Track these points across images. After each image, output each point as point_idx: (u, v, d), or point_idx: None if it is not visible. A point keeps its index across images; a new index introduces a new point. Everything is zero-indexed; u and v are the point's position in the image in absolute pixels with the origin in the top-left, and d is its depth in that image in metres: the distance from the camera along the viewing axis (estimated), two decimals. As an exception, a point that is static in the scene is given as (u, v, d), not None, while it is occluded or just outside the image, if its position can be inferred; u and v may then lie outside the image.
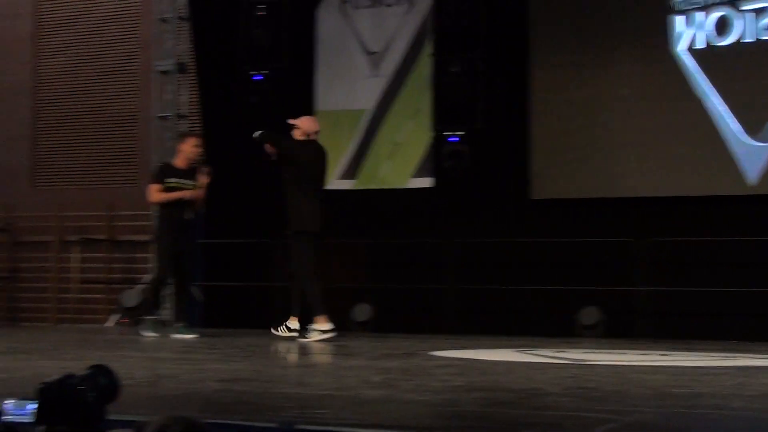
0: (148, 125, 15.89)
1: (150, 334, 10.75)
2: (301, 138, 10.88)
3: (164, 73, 15.61)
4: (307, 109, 14.16)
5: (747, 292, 11.61)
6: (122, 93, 17.39)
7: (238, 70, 13.91)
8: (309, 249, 10.46)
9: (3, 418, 2.77)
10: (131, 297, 15.05)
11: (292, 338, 10.19)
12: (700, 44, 12.75)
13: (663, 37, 12.92)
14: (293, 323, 10.44)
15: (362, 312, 13.65)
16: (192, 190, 11.05)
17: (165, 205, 11.11)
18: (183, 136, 11.88)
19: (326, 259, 14.60)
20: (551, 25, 13.45)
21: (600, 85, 13.19)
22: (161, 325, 10.75)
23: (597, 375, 6.08)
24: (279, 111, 13.75)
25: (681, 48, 12.82)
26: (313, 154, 10.83)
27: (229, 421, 3.72)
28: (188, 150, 11.12)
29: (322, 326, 10.33)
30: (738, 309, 11.70)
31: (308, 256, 10.47)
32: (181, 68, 15.59)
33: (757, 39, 12.53)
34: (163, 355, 8.56)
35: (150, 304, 11.43)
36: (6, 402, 2.73)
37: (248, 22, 13.72)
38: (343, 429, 3.56)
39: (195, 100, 15.49)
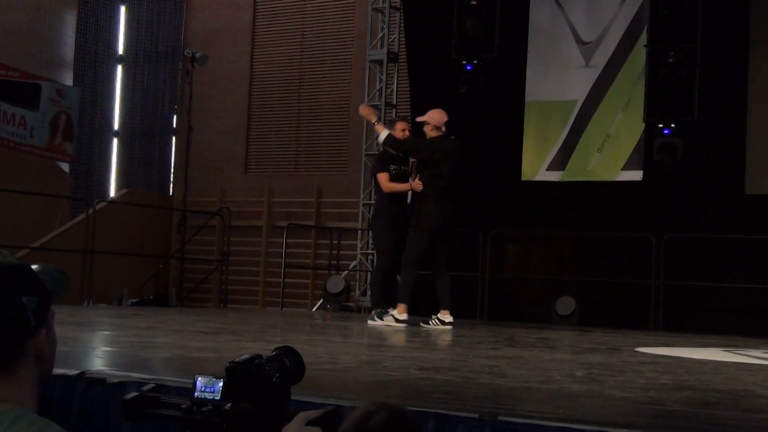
0: (359, 114, 16.12)
1: (376, 323, 10.35)
2: (433, 133, 10.48)
3: (376, 62, 15.80)
4: (518, 100, 14.13)
5: None
6: (334, 82, 17.69)
7: (448, 60, 13.93)
8: (421, 243, 10.21)
9: (195, 393, 2.84)
10: (336, 283, 15.29)
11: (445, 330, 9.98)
12: None
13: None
14: (445, 316, 10.20)
15: (566, 305, 13.51)
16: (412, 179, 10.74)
17: (390, 194, 10.86)
18: (392, 121, 11.60)
19: (530, 250, 14.60)
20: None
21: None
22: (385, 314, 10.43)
23: (812, 378, 5.84)
24: (489, 101, 13.75)
25: None
26: (443, 150, 10.35)
27: (430, 410, 3.70)
28: (398, 135, 10.74)
29: (400, 315, 10.15)
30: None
31: (418, 250, 10.23)
32: (393, 57, 15.75)
33: None
34: (367, 341, 8.65)
35: (376, 294, 11.06)
36: (198, 378, 2.80)
37: (461, 12, 13.72)
38: (545, 423, 3.50)
39: (405, 89, 15.62)
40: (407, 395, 4.39)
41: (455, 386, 4.75)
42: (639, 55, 13.55)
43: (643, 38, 13.44)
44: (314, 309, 15.55)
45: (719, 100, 13.09)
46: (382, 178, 10.80)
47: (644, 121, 13.30)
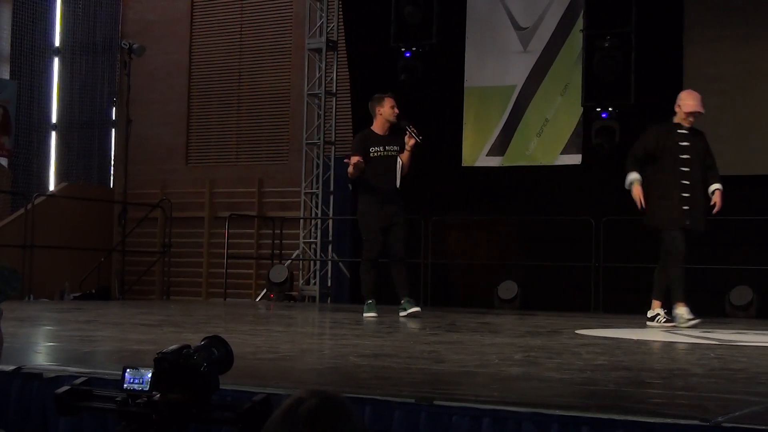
0: (299, 103, 16.11)
1: (369, 315, 9.74)
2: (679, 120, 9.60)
3: (315, 50, 15.78)
4: (457, 86, 14.17)
5: None
6: (274, 71, 17.64)
7: (387, 47, 13.95)
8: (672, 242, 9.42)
9: (124, 385, 2.85)
10: (279, 272, 15.27)
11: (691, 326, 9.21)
12: None
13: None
14: (682, 310, 9.33)
15: (508, 289, 13.59)
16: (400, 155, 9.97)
17: (368, 176, 9.95)
18: (379, 98, 10.31)
19: (472, 236, 14.67)
20: (706, -1, 13.17)
21: (756, 59, 12.84)
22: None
23: (746, 356, 5.93)
24: (428, 87, 13.79)
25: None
26: (678, 141, 9.50)
27: (367, 396, 3.73)
28: (387, 112, 10.02)
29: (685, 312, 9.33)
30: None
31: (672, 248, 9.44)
32: (332, 46, 15.74)
33: None
34: (309, 330, 8.66)
35: (366, 286, 10.08)
36: (126, 370, 2.81)
37: (399, -1, 13.75)
38: (480, 406, 3.54)
39: (345, 77, 15.62)
40: (345, 382, 4.42)
41: (393, 372, 4.78)
42: (576, 40, 13.66)
43: (580, 23, 13.55)
44: (257, 299, 15.53)
45: (655, 83, 13.22)
46: (350, 161, 9.94)
47: (582, 105, 13.43)
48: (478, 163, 14.19)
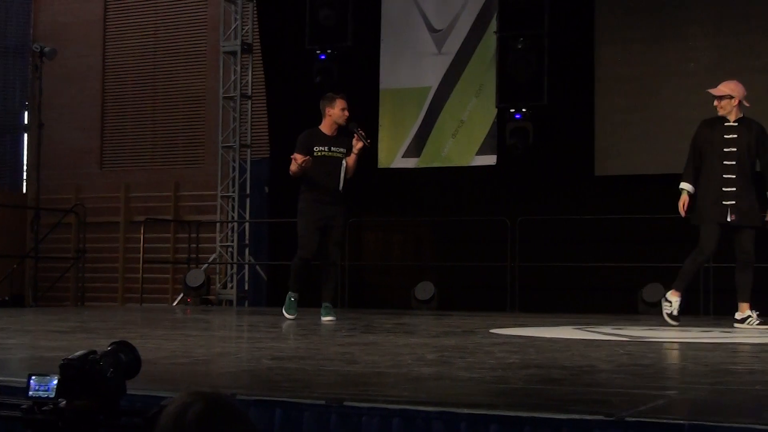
0: (214, 106, 16.03)
1: (289, 316, 9.76)
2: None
3: (230, 53, 15.72)
4: (372, 88, 14.21)
5: None
6: (189, 74, 17.54)
7: (302, 49, 13.93)
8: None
9: (29, 393, 2.83)
10: (196, 276, 15.18)
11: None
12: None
13: (730, 9, 12.75)
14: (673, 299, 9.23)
15: (425, 290, 13.65)
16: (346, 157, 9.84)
17: (308, 178, 9.80)
18: (331, 97, 10.12)
19: (388, 237, 14.72)
20: (617, 1, 13.35)
21: (666, 60, 13.06)
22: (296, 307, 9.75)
23: (654, 352, 6.03)
24: (343, 90, 13.79)
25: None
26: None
27: (278, 398, 3.74)
28: (336, 114, 9.86)
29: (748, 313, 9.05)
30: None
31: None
32: (247, 48, 15.69)
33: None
34: (224, 334, 8.63)
35: (294, 284, 9.95)
36: (32, 378, 2.78)
37: (314, 1, 13.73)
38: (390, 406, 3.56)
39: (260, 80, 15.58)
40: (257, 385, 4.42)
41: (305, 374, 4.79)
42: (490, 42, 13.76)
43: (493, 25, 13.66)
44: (174, 303, 15.42)
45: (568, 84, 13.40)
46: (293, 159, 9.70)
47: (496, 107, 13.55)
48: (393, 165, 14.23)
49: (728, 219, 8.96)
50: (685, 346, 6.66)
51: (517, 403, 3.68)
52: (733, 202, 8.99)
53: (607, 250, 13.12)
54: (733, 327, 8.87)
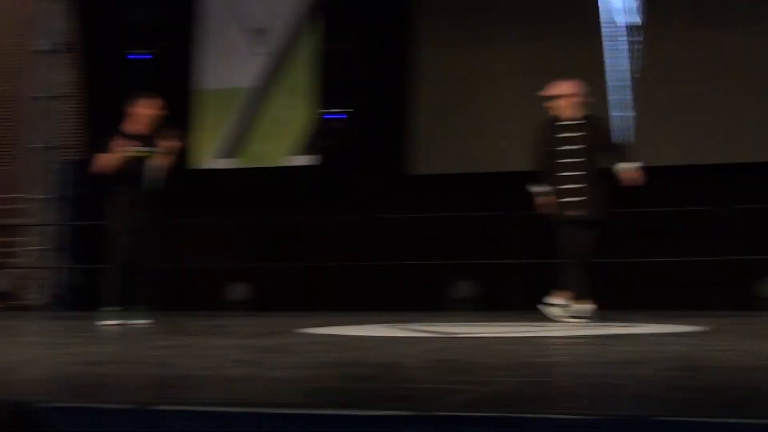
0: (26, 107, 15.60)
1: (108, 323, 9.41)
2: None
3: (43, 52, 15.33)
4: (186, 89, 14.07)
5: (616, 263, 11.66)
6: (1, 74, 17.00)
7: (117, 51, 13.71)
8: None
9: None
10: (5, 282, 14.76)
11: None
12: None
13: (546, 12, 13.11)
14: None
15: (240, 291, 13.60)
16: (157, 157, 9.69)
17: (118, 176, 9.58)
18: (139, 98, 9.98)
19: (202, 239, 14.59)
20: (434, 2, 13.55)
21: (480, 61, 13.33)
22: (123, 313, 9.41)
23: (461, 347, 6.16)
24: (158, 90, 13.61)
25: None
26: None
27: (84, 405, 3.68)
28: (143, 113, 9.69)
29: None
30: (612, 278, 11.52)
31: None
32: (61, 48, 15.32)
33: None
34: (33, 340, 8.43)
35: (110, 291, 9.68)
36: None
37: (128, 2, 13.52)
38: (197, 408, 3.55)
39: (75, 80, 15.24)
40: (65, 392, 4.34)
41: (115, 379, 4.73)
42: (309, 42, 13.78)
43: (313, 25, 13.68)
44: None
45: (385, 84, 13.54)
46: (99, 158, 9.53)
47: (314, 106, 13.59)
48: (208, 166, 14.12)
49: (572, 213, 9.24)
50: (492, 341, 6.83)
51: (330, 402, 3.72)
52: (579, 198, 9.24)
53: (420, 248, 13.31)
54: (547, 321, 9.19)
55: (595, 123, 9.58)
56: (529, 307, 12.35)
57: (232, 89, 14.20)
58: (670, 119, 12.68)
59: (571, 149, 9.34)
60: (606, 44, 12.89)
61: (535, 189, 9.49)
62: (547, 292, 9.50)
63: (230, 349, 6.49)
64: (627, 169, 9.27)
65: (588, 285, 9.32)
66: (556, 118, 9.52)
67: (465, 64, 13.39)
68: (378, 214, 13.35)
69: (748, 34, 12.60)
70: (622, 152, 9.51)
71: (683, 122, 12.68)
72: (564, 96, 9.48)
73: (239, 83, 14.19)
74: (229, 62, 14.22)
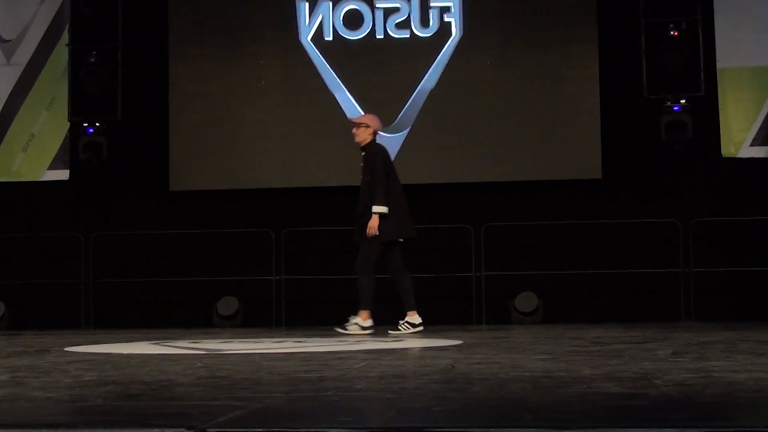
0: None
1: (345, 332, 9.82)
2: (371, 138, 10.08)
3: None
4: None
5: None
6: None
7: None
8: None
9: None
10: None
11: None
12: (327, 36, 13.22)
13: (293, 27, 13.26)
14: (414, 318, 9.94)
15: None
16: None
17: None
18: None
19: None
20: (189, 17, 13.52)
21: (237, 77, 13.39)
22: None
23: (230, 364, 6.14)
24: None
25: (308, 38, 13.25)
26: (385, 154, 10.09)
27: None
28: None
29: (364, 322, 9.86)
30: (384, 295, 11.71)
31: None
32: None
33: (386, 35, 13.10)
34: None
35: None
36: None
37: None
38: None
39: None
40: None
41: None
42: (61, 54, 13.52)
43: (65, 37, 13.43)
44: None
45: (142, 98, 13.41)
46: None
47: (69, 120, 13.33)
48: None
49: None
50: (260, 357, 6.83)
51: (96, 421, 3.65)
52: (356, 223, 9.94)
53: (182, 265, 13.22)
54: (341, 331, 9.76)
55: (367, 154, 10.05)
56: (291, 324, 12.48)
57: None
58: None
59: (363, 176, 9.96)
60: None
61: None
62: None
63: (-11, 370, 6.26)
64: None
65: (372, 299, 9.89)
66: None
67: (221, 79, 13.41)
68: (137, 230, 13.19)
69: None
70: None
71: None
72: (364, 125, 10.06)
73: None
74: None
